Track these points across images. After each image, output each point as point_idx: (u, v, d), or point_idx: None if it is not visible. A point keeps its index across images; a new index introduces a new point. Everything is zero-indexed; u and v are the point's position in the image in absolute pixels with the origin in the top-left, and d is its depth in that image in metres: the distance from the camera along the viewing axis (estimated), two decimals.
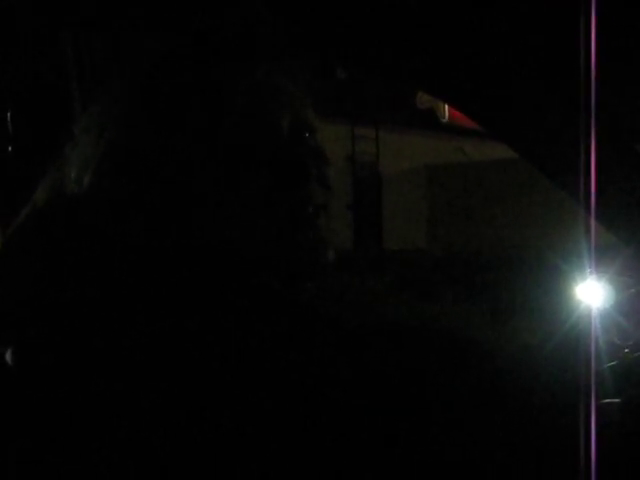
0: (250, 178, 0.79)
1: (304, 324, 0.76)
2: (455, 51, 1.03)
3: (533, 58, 1.02)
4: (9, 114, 1.21)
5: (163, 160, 0.79)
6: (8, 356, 0.76)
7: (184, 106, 0.80)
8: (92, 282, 0.74)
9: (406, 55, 1.07)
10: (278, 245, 0.80)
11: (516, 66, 1.03)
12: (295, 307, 0.79)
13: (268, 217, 0.79)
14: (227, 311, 0.73)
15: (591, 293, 0.97)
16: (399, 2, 0.99)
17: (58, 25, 1.18)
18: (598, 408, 0.57)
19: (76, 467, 0.69)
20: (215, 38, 0.83)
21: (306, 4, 1.01)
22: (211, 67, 0.81)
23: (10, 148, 1.22)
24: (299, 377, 0.71)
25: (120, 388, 0.69)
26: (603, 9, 0.57)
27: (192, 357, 0.70)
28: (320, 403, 0.70)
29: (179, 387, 0.69)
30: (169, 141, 0.79)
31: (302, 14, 1.01)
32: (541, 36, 0.98)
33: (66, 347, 0.72)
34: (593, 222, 0.59)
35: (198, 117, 0.79)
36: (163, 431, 0.68)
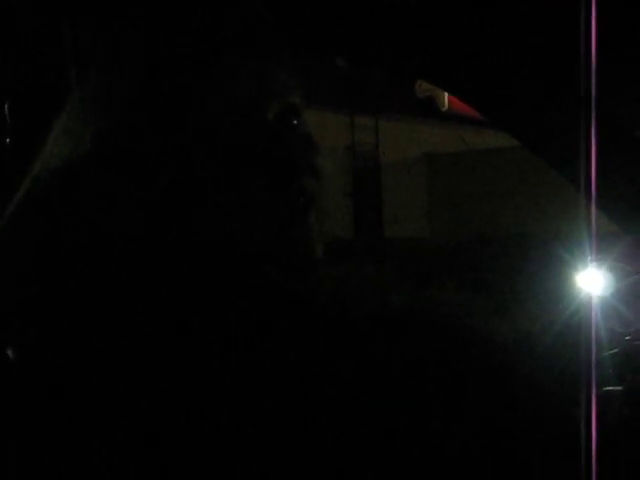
0: (235, 174, 0.78)
1: (303, 319, 0.75)
2: (456, 46, 1.03)
3: (534, 49, 1.02)
4: (6, 109, 1.21)
5: (155, 155, 0.79)
6: (10, 351, 0.76)
7: (171, 103, 0.79)
8: (90, 278, 0.74)
9: (406, 54, 1.07)
10: (267, 240, 0.79)
11: (517, 58, 1.03)
12: (293, 302, 0.78)
13: (256, 213, 0.79)
14: (226, 309, 0.73)
15: (592, 281, 0.97)
16: (399, 2, 0.99)
17: (58, 24, 1.18)
18: (599, 396, 0.57)
19: (75, 466, 0.69)
20: (214, 38, 0.82)
21: (306, 4, 1.01)
22: (202, 66, 0.80)
23: (8, 143, 1.22)
24: (300, 372, 0.71)
25: (119, 387, 0.69)
26: (603, 8, 0.57)
27: (192, 355, 0.70)
28: (321, 397, 0.70)
29: (179, 386, 0.69)
30: (160, 137, 0.79)
31: (302, 14, 1.01)
32: (542, 29, 0.98)
33: (64, 345, 0.72)
34: (594, 210, 0.59)
35: (180, 108, 0.79)
36: (163, 431, 0.68)
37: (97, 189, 0.80)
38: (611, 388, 0.87)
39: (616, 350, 0.97)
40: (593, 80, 0.57)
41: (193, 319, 0.72)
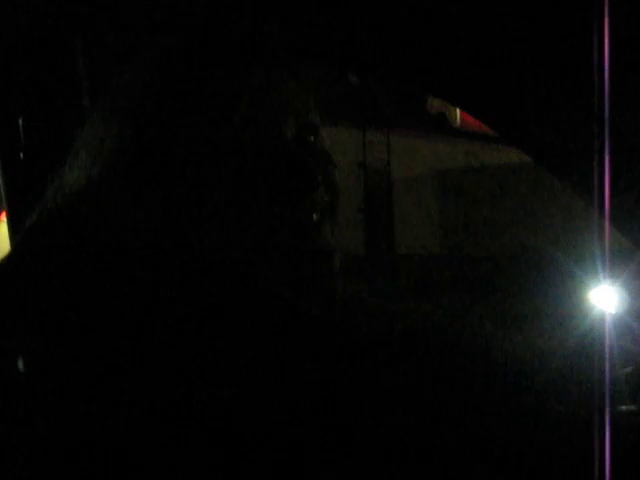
0: (254, 186, 0.78)
1: (311, 331, 0.75)
2: (463, 58, 1.03)
3: (545, 62, 1.02)
4: (20, 117, 1.21)
5: (169, 165, 0.79)
6: (19, 362, 0.76)
7: (188, 112, 0.80)
8: (99, 287, 0.74)
9: (412, 65, 1.07)
10: (283, 252, 0.79)
11: (528, 70, 1.03)
12: (301, 315, 0.78)
13: (273, 224, 0.79)
14: (231, 320, 0.73)
15: (605, 298, 0.96)
16: (404, 13, 0.99)
17: (65, 28, 1.19)
18: (613, 415, 0.57)
19: (77, 468, 0.69)
20: (221, 40, 0.83)
21: (313, 15, 1.01)
22: (215, 72, 0.81)
23: (21, 151, 1.22)
24: (307, 385, 0.71)
25: (123, 392, 0.69)
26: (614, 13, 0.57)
27: (197, 365, 0.70)
28: (330, 410, 0.70)
29: (184, 397, 0.69)
30: (175, 147, 0.79)
31: (308, 25, 1.01)
32: (548, 45, 0.98)
33: (72, 353, 0.72)
34: (607, 225, 0.58)
35: (202, 123, 0.79)
36: (164, 437, 0.68)
37: (116, 200, 0.80)
38: (624, 407, 0.86)
39: (629, 368, 0.96)
40: (606, 98, 0.56)
41: (197, 328, 0.72)
